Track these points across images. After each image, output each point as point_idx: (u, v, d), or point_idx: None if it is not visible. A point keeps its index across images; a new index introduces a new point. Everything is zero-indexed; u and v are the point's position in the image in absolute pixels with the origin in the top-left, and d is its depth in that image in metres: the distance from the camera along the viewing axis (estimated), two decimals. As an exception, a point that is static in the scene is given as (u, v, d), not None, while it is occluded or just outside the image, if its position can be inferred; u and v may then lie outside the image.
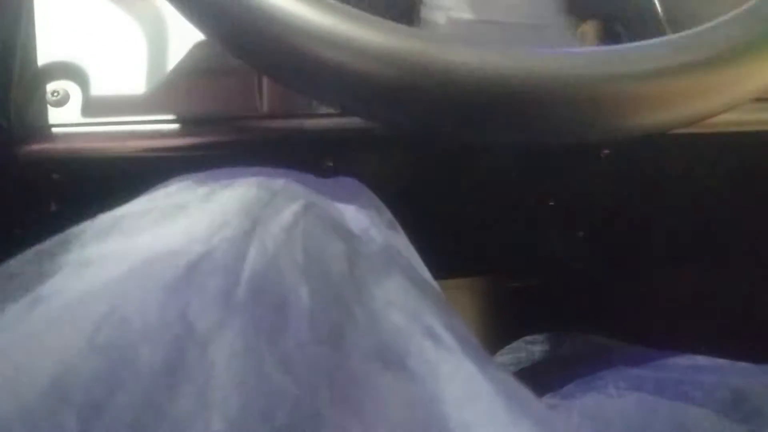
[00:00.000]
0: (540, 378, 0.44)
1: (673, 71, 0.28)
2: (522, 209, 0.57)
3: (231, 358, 0.17)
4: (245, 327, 0.18)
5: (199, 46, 0.44)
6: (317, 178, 0.32)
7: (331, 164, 0.45)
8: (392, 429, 0.18)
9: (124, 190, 0.28)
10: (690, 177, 0.55)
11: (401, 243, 0.30)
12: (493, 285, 0.83)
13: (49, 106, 0.41)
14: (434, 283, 0.28)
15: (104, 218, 0.24)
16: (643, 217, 0.61)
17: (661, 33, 0.44)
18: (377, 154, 0.47)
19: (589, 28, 0.45)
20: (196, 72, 0.43)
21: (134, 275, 0.19)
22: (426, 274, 0.29)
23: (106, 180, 0.42)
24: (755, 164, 0.52)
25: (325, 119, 0.43)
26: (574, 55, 0.28)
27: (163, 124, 0.42)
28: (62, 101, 0.41)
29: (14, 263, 0.21)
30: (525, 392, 0.22)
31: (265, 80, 0.43)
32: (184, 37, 0.44)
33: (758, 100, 0.31)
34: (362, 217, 0.28)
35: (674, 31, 0.34)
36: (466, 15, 0.32)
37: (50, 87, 0.42)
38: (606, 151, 0.48)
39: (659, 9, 0.45)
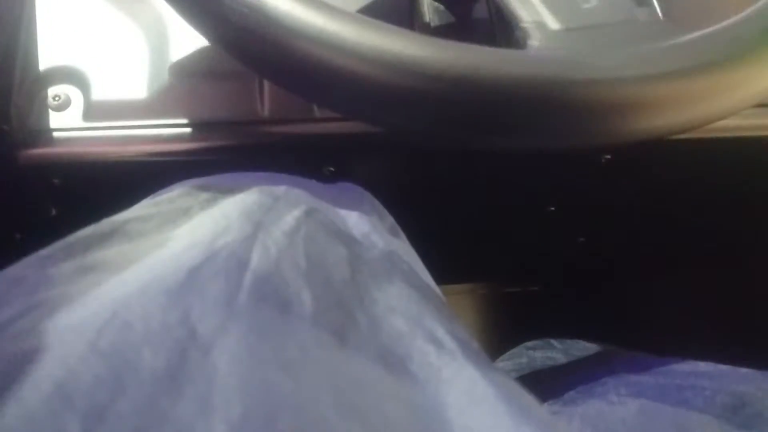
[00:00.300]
0: (541, 384, 0.44)
1: (673, 75, 0.28)
2: (523, 215, 0.57)
3: (233, 362, 0.17)
4: (248, 331, 0.18)
5: (200, 50, 0.44)
6: (319, 183, 0.32)
7: (332, 169, 0.45)
8: None
9: (126, 195, 0.28)
10: (690, 182, 0.55)
11: (403, 248, 0.30)
12: (493, 290, 0.83)
13: (50, 111, 0.41)
14: (436, 288, 0.28)
15: (107, 223, 0.24)
16: (644, 223, 0.61)
17: None
18: (379, 159, 0.47)
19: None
20: (198, 76, 0.43)
21: (136, 280, 0.19)
22: (428, 279, 0.29)
23: (107, 185, 0.42)
24: (756, 169, 0.52)
25: (326, 124, 0.43)
26: (575, 59, 0.28)
27: (164, 128, 0.42)
28: (63, 106, 0.41)
29: (17, 268, 0.21)
30: (527, 397, 0.22)
31: (266, 84, 0.43)
32: (185, 41, 0.44)
33: (759, 105, 0.31)
34: (364, 223, 0.28)
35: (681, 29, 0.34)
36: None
37: (51, 91, 0.42)
38: (606, 157, 0.48)
39: (659, 12, 0.45)
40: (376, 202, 0.33)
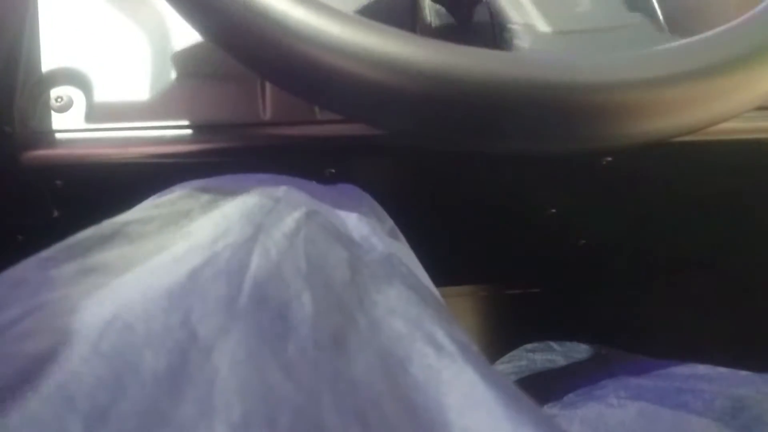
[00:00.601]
0: (540, 386, 0.44)
1: (673, 78, 0.28)
2: (523, 217, 0.57)
3: (234, 364, 0.17)
4: (248, 333, 0.19)
5: (202, 52, 0.44)
6: (319, 185, 0.32)
7: (333, 171, 0.45)
8: None
9: (128, 197, 0.28)
10: (691, 185, 0.55)
11: (403, 251, 0.30)
12: (494, 292, 0.83)
13: (52, 112, 0.41)
14: (435, 291, 0.28)
15: (107, 225, 0.24)
16: (644, 226, 0.61)
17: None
18: (379, 162, 0.47)
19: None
20: (199, 78, 0.43)
21: (137, 282, 0.20)
22: (427, 281, 0.29)
23: (109, 186, 0.42)
24: (756, 172, 0.52)
25: (327, 126, 0.43)
26: (576, 63, 0.28)
27: (166, 130, 0.42)
28: (66, 107, 0.42)
29: (18, 270, 0.21)
30: (526, 399, 0.22)
31: (267, 87, 0.43)
32: (188, 43, 0.44)
33: (759, 108, 0.31)
34: (363, 225, 0.29)
35: (675, 39, 0.34)
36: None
37: (54, 93, 0.42)
38: (607, 159, 0.48)
39: (660, 16, 0.45)
40: (376, 205, 0.33)
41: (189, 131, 0.42)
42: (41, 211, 0.45)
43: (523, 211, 0.56)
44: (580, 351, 0.50)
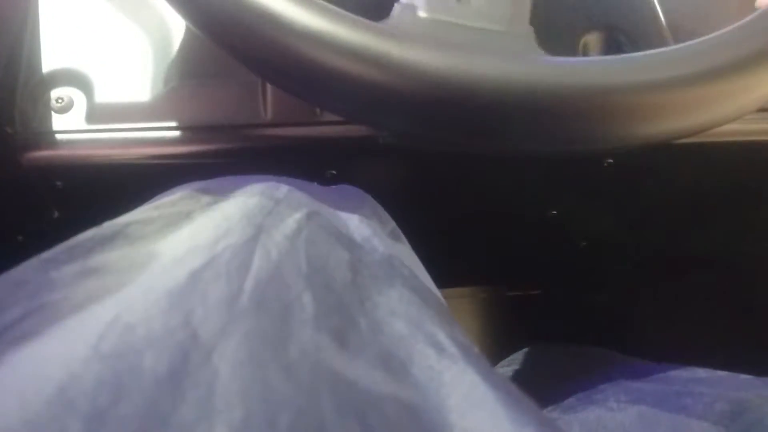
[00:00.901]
0: (540, 390, 0.44)
1: (678, 81, 0.28)
2: (524, 219, 0.57)
3: (235, 365, 0.17)
4: (249, 334, 0.18)
5: (203, 53, 0.44)
6: (320, 186, 0.32)
7: (334, 172, 0.45)
8: None
9: (128, 198, 0.28)
10: (692, 186, 0.55)
11: (404, 253, 0.30)
12: (494, 294, 0.83)
13: (53, 113, 0.41)
14: (437, 292, 0.28)
15: (108, 226, 0.24)
16: (645, 227, 0.61)
17: (664, 43, 0.44)
18: (380, 163, 0.47)
19: (593, 38, 0.45)
20: (200, 79, 0.43)
21: (138, 283, 0.20)
22: (429, 283, 0.29)
23: (109, 187, 0.42)
24: (757, 173, 0.52)
25: (328, 127, 0.43)
26: (578, 65, 0.28)
27: (167, 131, 0.42)
28: (66, 108, 0.42)
29: (19, 271, 0.21)
30: (528, 401, 0.22)
31: (269, 88, 0.43)
32: (188, 44, 0.44)
33: (762, 110, 0.31)
34: (364, 227, 0.29)
35: (677, 41, 0.34)
36: (427, 14, 0.32)
37: (54, 94, 0.42)
38: (608, 161, 0.48)
39: (662, 19, 0.45)
40: (378, 206, 0.33)
41: (190, 132, 0.42)
42: (41, 211, 0.45)
43: (523, 212, 0.56)
44: (580, 354, 0.50)
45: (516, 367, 0.52)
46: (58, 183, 0.43)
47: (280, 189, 0.27)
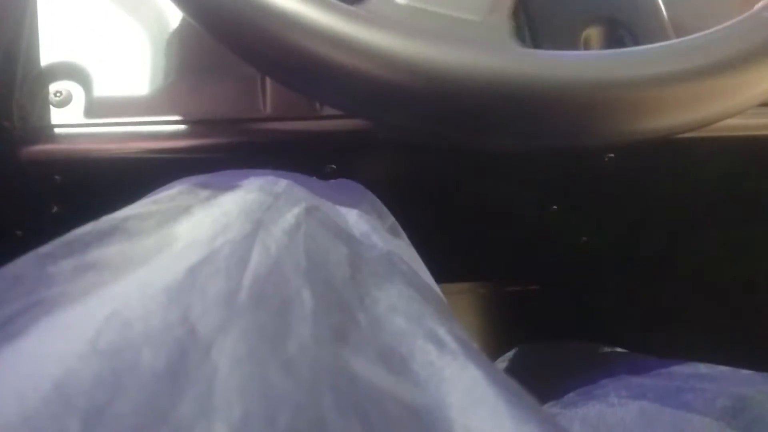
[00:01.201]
0: (540, 386, 0.44)
1: (679, 76, 0.28)
2: (525, 214, 0.57)
3: (234, 362, 0.17)
4: (248, 330, 0.18)
5: (202, 47, 0.44)
6: (319, 181, 0.32)
7: (333, 167, 0.45)
8: None
9: (127, 192, 0.28)
10: (693, 181, 0.55)
11: (403, 248, 0.30)
12: (494, 289, 0.83)
13: (51, 107, 0.41)
14: (437, 288, 0.28)
15: (106, 221, 0.23)
16: (646, 223, 0.61)
17: (665, 37, 0.44)
18: (380, 158, 0.47)
19: (594, 32, 0.45)
20: (199, 73, 0.43)
21: (136, 278, 0.19)
22: (428, 279, 0.28)
23: (108, 181, 0.42)
24: (759, 168, 0.52)
25: (327, 122, 0.43)
26: (579, 59, 0.28)
27: (165, 125, 0.42)
28: (65, 102, 0.41)
29: (16, 265, 0.20)
30: (528, 397, 0.22)
31: (268, 82, 0.43)
32: (187, 38, 0.44)
33: (763, 104, 0.31)
34: (364, 223, 0.28)
35: (679, 35, 0.34)
36: (407, 1, 0.32)
37: (53, 87, 0.42)
38: (609, 156, 0.48)
39: (664, 13, 0.45)
40: (377, 201, 0.33)
41: (189, 126, 0.42)
42: (40, 206, 0.45)
43: (524, 207, 0.56)
44: (581, 349, 0.50)
45: (516, 362, 0.52)
46: (57, 177, 0.43)
47: (279, 184, 0.27)
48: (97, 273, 0.20)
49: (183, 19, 0.45)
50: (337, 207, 0.29)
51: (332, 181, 0.34)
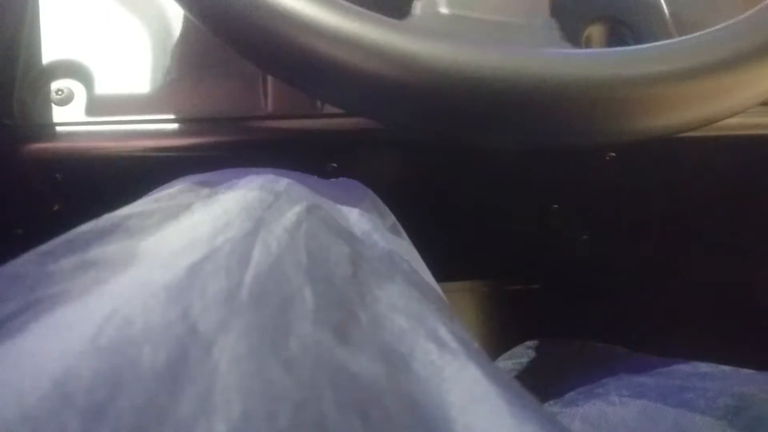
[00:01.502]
0: (541, 384, 0.44)
1: (684, 74, 0.28)
2: (526, 212, 0.57)
3: (234, 360, 0.17)
4: (248, 328, 0.18)
5: (203, 45, 0.44)
6: (320, 180, 0.32)
7: (335, 165, 0.45)
8: None
9: (128, 190, 0.28)
10: (694, 180, 0.55)
11: (404, 247, 0.30)
12: (495, 288, 0.83)
13: (53, 105, 0.41)
14: (437, 288, 0.28)
15: (108, 219, 0.23)
16: (647, 221, 0.61)
17: (667, 35, 0.44)
18: (381, 156, 0.47)
19: (596, 30, 0.45)
20: (201, 71, 0.43)
21: (137, 276, 0.19)
22: (429, 278, 0.28)
23: (109, 180, 0.42)
24: (760, 168, 0.52)
25: (329, 120, 0.43)
26: (580, 57, 0.28)
27: (167, 123, 0.42)
28: (66, 100, 0.41)
29: (17, 264, 0.20)
30: (529, 396, 0.22)
31: (269, 80, 0.43)
32: (189, 36, 0.44)
33: (764, 103, 0.31)
34: (365, 221, 0.28)
35: (681, 34, 0.34)
36: (446, 9, 0.32)
37: (54, 86, 0.42)
38: (611, 154, 0.48)
39: (666, 11, 0.45)
40: (378, 200, 0.33)
41: (190, 124, 0.42)
42: (41, 204, 0.45)
43: (525, 206, 0.56)
44: (582, 348, 0.49)
45: (517, 361, 0.52)
46: (58, 175, 0.43)
47: (280, 182, 0.27)
48: (97, 271, 0.20)
49: (184, 18, 0.45)
50: (338, 206, 0.29)
51: (333, 179, 0.34)
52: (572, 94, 0.27)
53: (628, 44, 0.39)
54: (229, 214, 0.24)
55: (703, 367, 0.38)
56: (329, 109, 0.43)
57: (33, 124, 0.41)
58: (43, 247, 0.21)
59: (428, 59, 0.27)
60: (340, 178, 0.35)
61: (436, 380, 0.21)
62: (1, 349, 0.16)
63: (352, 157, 0.45)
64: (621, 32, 0.45)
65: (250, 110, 0.42)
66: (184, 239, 0.22)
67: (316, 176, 0.32)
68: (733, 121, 0.32)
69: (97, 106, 0.41)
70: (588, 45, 0.45)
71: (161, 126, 0.41)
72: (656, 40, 0.30)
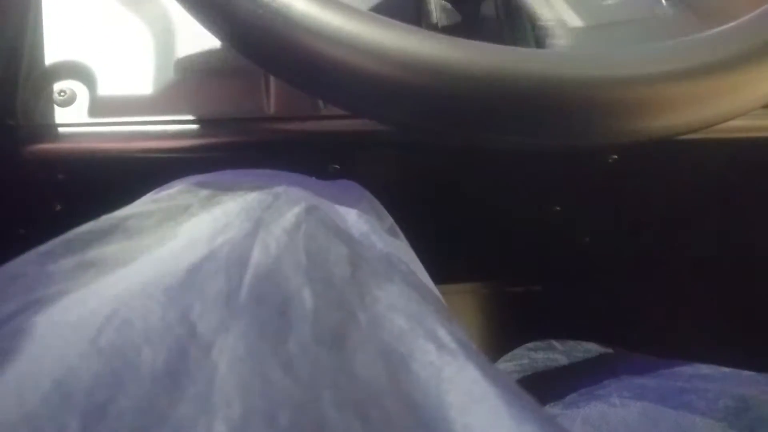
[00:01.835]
0: (542, 385, 0.44)
1: (683, 75, 0.28)
2: (528, 214, 0.57)
3: (233, 360, 0.17)
4: (248, 329, 0.18)
5: (206, 46, 0.44)
6: (319, 181, 0.32)
7: (337, 166, 0.45)
8: None
9: (130, 191, 0.28)
10: (696, 183, 0.54)
11: (402, 249, 0.30)
12: (496, 290, 0.83)
13: (55, 106, 0.41)
14: (435, 290, 0.28)
15: (106, 219, 0.24)
16: (649, 224, 0.61)
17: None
18: (383, 157, 0.47)
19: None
20: (203, 73, 0.43)
21: (136, 277, 0.19)
22: (427, 280, 0.28)
23: (111, 180, 0.42)
24: (762, 170, 0.52)
25: (331, 121, 0.43)
26: (583, 57, 0.28)
27: (169, 124, 0.42)
28: (69, 101, 0.42)
29: (17, 264, 0.21)
30: (528, 397, 0.22)
31: (272, 81, 0.43)
32: (191, 37, 0.44)
33: (767, 106, 0.31)
34: (363, 223, 0.28)
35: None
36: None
37: (57, 86, 0.42)
38: (613, 157, 0.48)
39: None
40: (376, 202, 0.33)
41: (192, 126, 0.42)
42: (43, 204, 0.45)
43: (527, 208, 0.56)
44: (583, 350, 0.49)
45: (518, 363, 0.52)
46: (60, 176, 0.43)
47: (279, 183, 0.27)
48: (97, 272, 0.20)
49: (187, 19, 0.45)
50: (337, 207, 0.29)
51: (331, 181, 0.34)
52: (574, 94, 0.27)
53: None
54: (228, 215, 0.24)
55: (704, 368, 0.38)
56: (332, 110, 0.43)
57: (35, 124, 0.41)
58: (43, 248, 0.21)
59: (430, 59, 0.27)
60: (338, 180, 0.35)
61: (435, 381, 0.21)
62: (0, 349, 0.16)
63: (355, 159, 0.45)
64: None
65: (253, 111, 0.43)
66: (183, 240, 0.22)
67: (314, 178, 0.32)
68: (735, 123, 0.32)
69: (99, 107, 0.42)
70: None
71: (163, 127, 0.42)
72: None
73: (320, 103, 0.43)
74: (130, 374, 0.16)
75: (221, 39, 0.31)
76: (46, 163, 0.42)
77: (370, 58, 0.27)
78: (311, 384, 0.18)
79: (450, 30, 0.43)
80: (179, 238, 0.22)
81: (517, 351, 0.54)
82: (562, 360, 0.49)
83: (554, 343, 0.53)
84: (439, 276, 0.31)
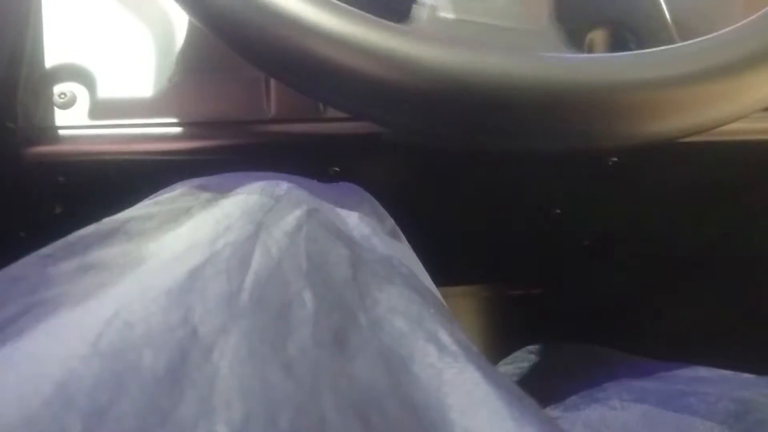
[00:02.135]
0: (542, 388, 0.44)
1: (682, 79, 0.28)
2: (528, 217, 0.57)
3: (235, 363, 0.17)
4: (249, 332, 0.18)
5: (206, 49, 0.44)
6: (320, 184, 0.32)
7: (337, 169, 0.45)
8: None
9: (130, 193, 0.28)
10: (696, 185, 0.54)
11: (403, 252, 0.30)
12: (497, 293, 0.83)
13: (56, 108, 0.41)
14: (436, 292, 0.28)
15: (107, 222, 0.24)
16: (649, 226, 0.61)
17: (669, 39, 0.44)
18: (384, 160, 0.47)
19: (598, 35, 0.45)
20: (203, 75, 0.43)
21: (137, 280, 0.19)
22: (428, 282, 0.29)
23: (111, 183, 0.42)
24: (761, 173, 0.52)
25: (332, 124, 0.43)
26: (584, 62, 0.28)
27: (169, 127, 0.42)
28: (69, 103, 0.42)
29: (18, 267, 0.21)
30: (529, 400, 0.22)
31: (272, 84, 0.43)
32: (192, 40, 0.44)
33: (766, 109, 0.31)
34: (364, 225, 0.28)
35: (682, 38, 0.34)
36: (449, 14, 0.32)
37: (57, 89, 0.42)
38: (613, 159, 0.48)
39: (667, 16, 0.45)
40: (377, 204, 0.33)
41: (193, 128, 0.42)
42: (44, 207, 0.45)
43: (527, 211, 0.56)
44: (583, 353, 0.49)
45: (517, 365, 0.52)
46: (61, 178, 0.43)
47: (280, 186, 0.27)
48: (98, 274, 0.20)
49: (187, 21, 0.45)
50: (338, 209, 0.29)
51: (332, 183, 0.34)
52: (574, 98, 0.27)
53: (630, 49, 0.39)
54: (229, 217, 0.24)
55: (704, 371, 0.38)
56: (332, 113, 0.43)
57: (36, 127, 0.41)
58: (44, 250, 0.21)
59: (432, 63, 0.27)
60: (339, 183, 0.35)
61: (435, 383, 0.21)
62: (1, 351, 0.16)
63: (355, 161, 0.45)
64: (623, 37, 0.45)
65: (253, 114, 0.43)
66: (185, 243, 0.22)
67: (315, 180, 0.32)
68: (735, 126, 0.32)
69: (99, 109, 0.42)
70: (590, 50, 0.45)
71: (164, 129, 0.42)
72: (658, 44, 0.30)
73: (320, 105, 0.43)
74: (132, 376, 0.16)
75: (221, 39, 0.31)
76: (46, 166, 0.42)
77: (369, 60, 0.27)
78: (312, 386, 0.18)
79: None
80: (180, 241, 0.22)
81: (517, 354, 0.54)
82: (561, 362, 0.49)
83: (554, 345, 0.53)
84: (440, 278, 0.31)
